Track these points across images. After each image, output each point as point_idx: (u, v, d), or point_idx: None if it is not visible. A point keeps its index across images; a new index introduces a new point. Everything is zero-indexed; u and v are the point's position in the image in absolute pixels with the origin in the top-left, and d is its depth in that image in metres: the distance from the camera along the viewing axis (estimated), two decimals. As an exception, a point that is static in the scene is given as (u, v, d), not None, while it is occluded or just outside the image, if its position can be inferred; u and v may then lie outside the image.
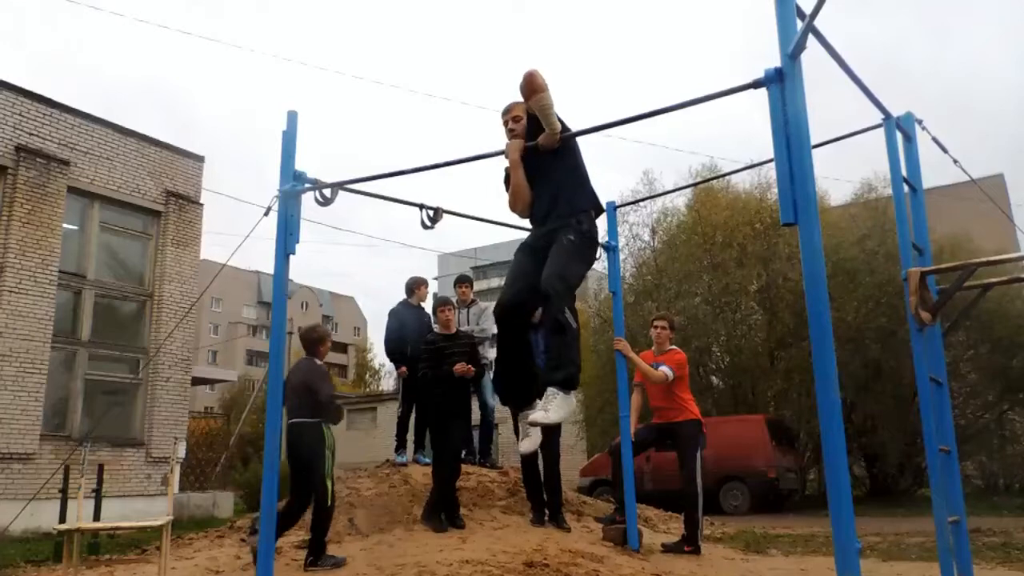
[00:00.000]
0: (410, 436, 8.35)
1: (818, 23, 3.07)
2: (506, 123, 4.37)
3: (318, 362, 6.28)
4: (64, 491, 8.58)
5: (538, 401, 3.98)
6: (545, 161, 4.14)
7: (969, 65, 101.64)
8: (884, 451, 18.22)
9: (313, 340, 6.31)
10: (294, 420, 6.03)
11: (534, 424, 3.96)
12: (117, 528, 8.08)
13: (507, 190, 4.32)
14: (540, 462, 6.85)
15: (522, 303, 4.15)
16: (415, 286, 8.46)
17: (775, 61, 3.09)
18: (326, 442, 6.00)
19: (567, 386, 3.83)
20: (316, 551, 5.81)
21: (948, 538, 4.05)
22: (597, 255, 4.76)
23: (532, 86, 3.95)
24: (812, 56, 3.23)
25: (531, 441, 4.50)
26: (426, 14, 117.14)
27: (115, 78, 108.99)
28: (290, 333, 16.84)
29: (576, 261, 4.04)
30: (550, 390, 3.83)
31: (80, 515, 6.41)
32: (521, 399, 4.46)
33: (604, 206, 4.44)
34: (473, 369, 6.76)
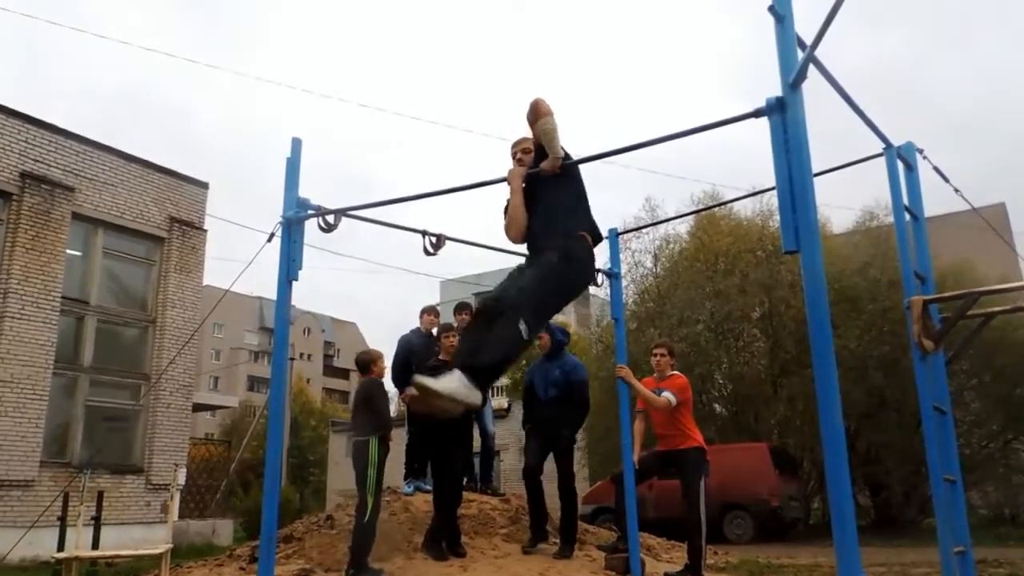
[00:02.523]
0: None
1: (820, 51, 3.09)
2: (515, 155, 4.36)
3: (373, 378, 6.58)
4: (63, 518, 8.53)
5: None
6: (546, 188, 4.14)
7: (991, 82, 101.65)
8: (889, 480, 18.08)
9: (366, 362, 6.65)
10: (354, 439, 6.40)
11: (415, 383, 3.44)
12: (116, 557, 8.04)
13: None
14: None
15: (496, 303, 3.78)
16: (421, 314, 8.50)
17: (777, 87, 3.11)
18: (369, 458, 6.14)
19: (471, 373, 3.44)
20: (355, 564, 5.91)
21: (954, 569, 4.00)
22: (593, 280, 4.58)
23: (537, 112, 4.00)
24: (817, 73, 3.24)
25: (436, 382, 3.44)
26: (431, 44, 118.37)
27: (120, 105, 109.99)
28: (291, 359, 16.83)
29: (552, 281, 3.81)
30: (464, 377, 3.43)
31: (79, 543, 6.37)
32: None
33: (602, 234, 4.31)
34: None
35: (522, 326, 3.59)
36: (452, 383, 3.38)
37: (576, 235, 4.05)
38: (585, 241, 4.09)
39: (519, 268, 4.19)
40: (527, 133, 4.29)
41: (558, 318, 8.12)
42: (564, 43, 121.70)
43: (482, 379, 3.51)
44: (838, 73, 3.59)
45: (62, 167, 13.27)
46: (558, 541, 6.96)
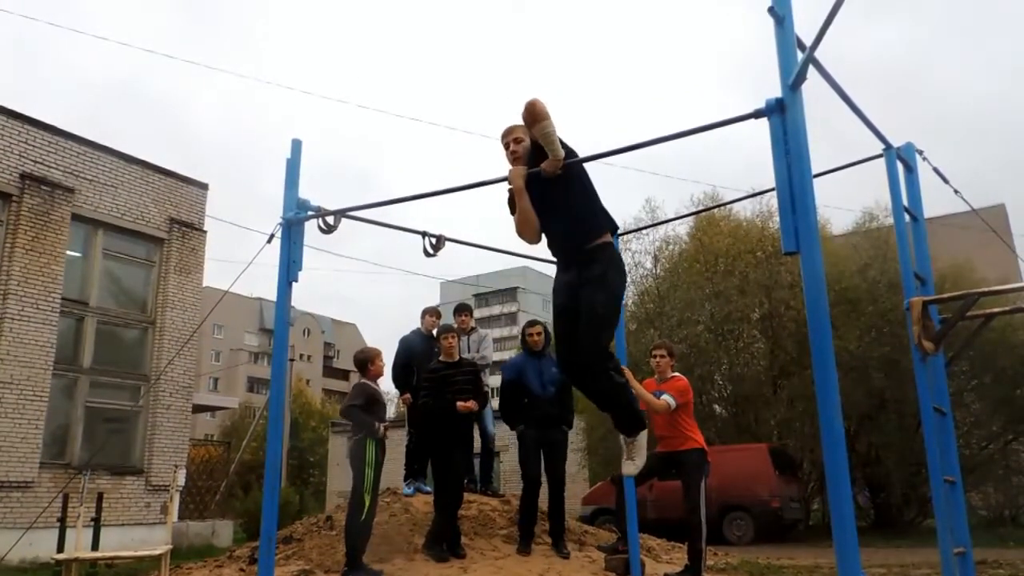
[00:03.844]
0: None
1: (820, 50, 3.09)
2: (507, 145, 4.27)
3: (365, 382, 6.56)
4: (63, 520, 8.53)
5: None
6: (551, 187, 4.09)
7: (992, 82, 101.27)
8: (889, 481, 18.08)
9: (363, 361, 6.64)
10: (353, 438, 6.43)
11: (628, 476, 4.57)
12: (115, 558, 8.03)
13: (512, 213, 4.27)
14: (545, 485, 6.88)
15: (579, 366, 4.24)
16: (423, 315, 8.49)
17: (777, 88, 3.11)
18: (366, 458, 6.15)
19: (638, 432, 4.29)
20: (350, 564, 5.92)
21: (954, 570, 4.00)
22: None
23: (534, 115, 3.93)
24: (816, 73, 3.23)
25: (635, 465, 4.44)
26: (431, 44, 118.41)
27: (119, 106, 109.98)
28: (291, 360, 16.82)
29: (608, 320, 4.08)
30: (625, 440, 4.31)
31: (79, 544, 6.37)
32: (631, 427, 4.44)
33: (618, 224, 4.41)
34: (476, 406, 6.77)
35: (615, 376, 4.11)
36: (642, 451, 4.30)
37: (604, 245, 4.16)
38: (612, 247, 4.27)
39: (562, 318, 4.21)
40: (517, 120, 4.23)
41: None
42: (564, 43, 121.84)
43: (641, 428, 4.30)
44: (838, 72, 3.60)
45: (62, 168, 13.27)
46: (551, 542, 6.96)
